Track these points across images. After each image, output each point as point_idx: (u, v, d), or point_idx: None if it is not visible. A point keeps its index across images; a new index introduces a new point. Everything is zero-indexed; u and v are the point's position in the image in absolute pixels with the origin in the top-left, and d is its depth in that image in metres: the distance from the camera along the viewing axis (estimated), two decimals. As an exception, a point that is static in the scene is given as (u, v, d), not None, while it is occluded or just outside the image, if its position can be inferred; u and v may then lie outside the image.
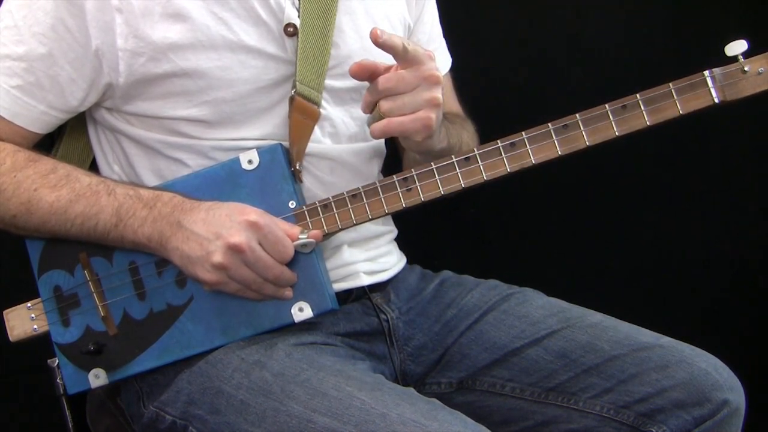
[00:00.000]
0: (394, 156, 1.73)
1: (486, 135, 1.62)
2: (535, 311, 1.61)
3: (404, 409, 1.27)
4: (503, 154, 1.40)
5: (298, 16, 1.46)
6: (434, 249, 1.98)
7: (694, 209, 2.04)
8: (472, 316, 1.63)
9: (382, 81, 1.36)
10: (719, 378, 1.48)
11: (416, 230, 1.71)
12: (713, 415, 1.46)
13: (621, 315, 1.61)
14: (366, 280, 1.58)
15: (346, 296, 1.55)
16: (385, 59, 1.57)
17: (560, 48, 2.14)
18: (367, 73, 1.38)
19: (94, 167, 1.58)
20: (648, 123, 1.39)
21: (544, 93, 2.11)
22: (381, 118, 1.37)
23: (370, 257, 1.60)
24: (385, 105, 1.37)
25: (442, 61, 1.77)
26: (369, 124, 1.40)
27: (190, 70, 1.42)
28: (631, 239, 2.19)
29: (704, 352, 1.53)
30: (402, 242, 1.72)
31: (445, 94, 1.75)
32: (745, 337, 2.19)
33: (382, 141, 1.66)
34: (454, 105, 1.79)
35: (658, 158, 2.16)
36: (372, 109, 1.40)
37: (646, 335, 1.55)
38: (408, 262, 1.73)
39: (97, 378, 1.46)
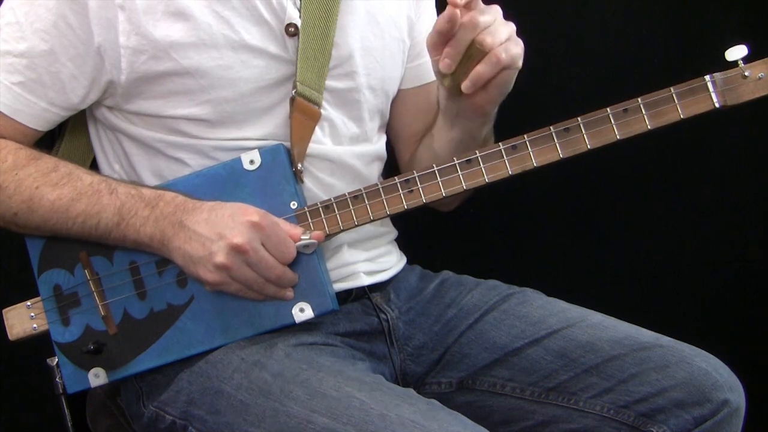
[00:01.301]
0: (394, 160, 1.73)
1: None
2: (535, 311, 1.61)
3: (403, 409, 1.27)
4: (505, 157, 1.40)
5: (299, 17, 1.46)
6: (434, 249, 1.98)
7: (694, 209, 2.04)
8: (472, 316, 1.63)
9: (479, 17, 1.33)
10: (719, 378, 1.48)
11: (416, 230, 1.71)
12: (713, 414, 1.46)
13: (621, 315, 1.61)
14: (366, 280, 1.58)
15: (347, 296, 1.55)
16: (386, 58, 1.57)
17: (562, 52, 2.13)
18: (452, 23, 1.34)
19: (94, 166, 1.57)
20: (649, 127, 1.39)
21: (546, 96, 2.11)
22: (453, 77, 1.38)
23: (370, 257, 1.60)
24: (488, 39, 1.34)
25: None
26: (447, 86, 1.41)
27: (192, 68, 1.41)
28: (631, 239, 2.19)
29: (704, 352, 1.53)
30: (402, 242, 1.72)
31: None
32: (745, 337, 2.19)
33: (383, 145, 1.66)
34: None
35: (658, 158, 2.16)
36: (457, 62, 1.37)
37: (646, 335, 1.55)
38: (408, 262, 1.73)
39: (97, 377, 1.46)
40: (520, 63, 1.40)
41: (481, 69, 1.36)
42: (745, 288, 2.20)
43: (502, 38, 1.36)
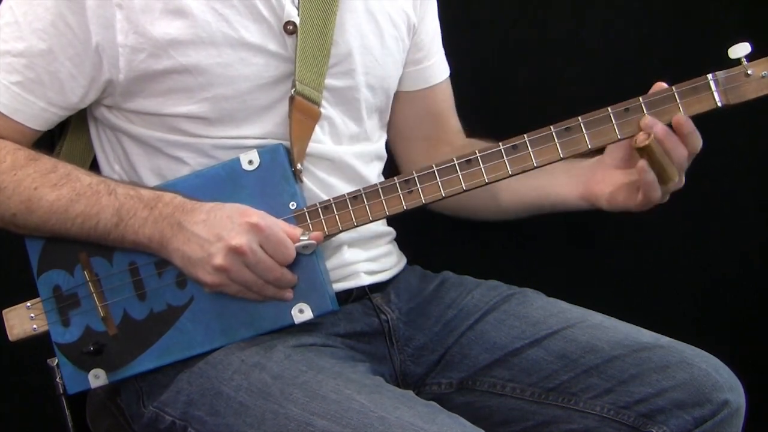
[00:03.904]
0: (395, 162, 1.73)
1: (487, 136, 1.62)
2: (536, 312, 1.61)
3: (403, 412, 1.27)
4: (505, 157, 1.40)
5: (298, 14, 1.45)
6: (434, 249, 1.97)
7: (694, 209, 2.03)
8: (473, 316, 1.62)
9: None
10: (719, 378, 1.48)
11: (416, 231, 1.71)
12: (713, 415, 1.46)
13: (621, 315, 1.61)
14: (366, 280, 1.58)
15: (347, 296, 1.55)
16: (385, 56, 1.58)
17: (562, 50, 2.13)
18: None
19: (94, 167, 1.57)
20: (650, 126, 1.38)
21: (546, 95, 2.10)
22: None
23: (371, 257, 1.60)
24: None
25: (442, 65, 1.77)
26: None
27: (191, 66, 1.41)
28: (631, 239, 2.18)
29: (704, 352, 1.52)
30: (402, 243, 1.72)
31: (445, 102, 1.75)
32: (745, 337, 2.19)
33: (383, 144, 1.67)
34: (453, 118, 1.79)
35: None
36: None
37: (646, 336, 1.55)
38: (408, 262, 1.73)
39: (97, 378, 1.46)
40: None
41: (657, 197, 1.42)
42: (745, 288, 2.20)
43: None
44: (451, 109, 1.79)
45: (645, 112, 1.38)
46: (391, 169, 1.66)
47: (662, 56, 2.07)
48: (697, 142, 1.40)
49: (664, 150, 1.37)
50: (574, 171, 1.55)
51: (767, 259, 2.20)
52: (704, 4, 2.07)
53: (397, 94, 1.70)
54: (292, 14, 1.45)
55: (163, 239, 1.37)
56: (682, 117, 1.37)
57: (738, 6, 2.06)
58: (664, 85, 1.40)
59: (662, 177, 1.38)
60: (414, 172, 1.41)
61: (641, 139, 1.37)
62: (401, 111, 1.73)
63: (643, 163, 1.37)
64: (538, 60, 2.13)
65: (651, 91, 1.40)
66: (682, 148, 1.39)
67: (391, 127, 1.74)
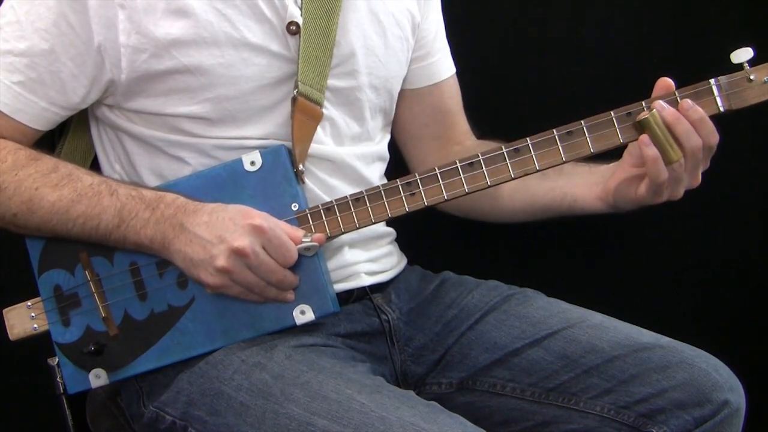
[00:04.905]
0: (396, 162, 1.73)
1: (497, 138, 1.62)
2: (536, 312, 1.61)
3: (404, 412, 1.27)
4: (507, 160, 1.40)
5: (301, 15, 1.45)
6: (435, 249, 1.97)
7: (694, 209, 2.03)
8: (473, 316, 1.63)
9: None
10: (719, 378, 1.48)
11: (417, 231, 1.71)
12: (714, 415, 1.47)
13: (621, 315, 1.61)
14: (367, 281, 1.58)
15: (348, 296, 1.55)
16: (389, 56, 1.57)
17: (562, 49, 2.13)
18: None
19: (94, 166, 1.57)
20: (653, 131, 1.38)
21: (546, 95, 2.10)
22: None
23: (371, 258, 1.60)
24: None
25: (447, 62, 1.77)
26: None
27: (193, 66, 1.41)
28: (631, 239, 2.18)
29: (704, 352, 1.53)
30: (403, 243, 1.72)
31: (453, 99, 1.74)
32: (745, 337, 2.19)
33: (385, 145, 1.66)
34: (461, 117, 1.79)
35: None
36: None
37: (647, 336, 1.55)
38: (408, 262, 1.73)
39: (98, 378, 1.46)
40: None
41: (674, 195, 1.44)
42: (745, 288, 2.20)
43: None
44: (459, 108, 1.79)
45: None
46: (395, 171, 1.65)
47: (662, 56, 2.07)
48: (712, 135, 1.38)
49: (675, 135, 1.36)
50: (593, 173, 1.55)
51: (767, 259, 2.20)
52: (704, 4, 2.07)
53: (403, 92, 1.70)
54: (295, 14, 1.45)
55: (164, 240, 1.37)
56: (688, 102, 1.36)
57: (738, 6, 2.06)
58: (668, 80, 1.40)
59: (666, 155, 1.37)
60: (416, 174, 1.41)
61: (641, 114, 1.37)
62: (409, 109, 1.73)
63: (644, 136, 1.37)
64: (538, 59, 2.13)
65: (655, 87, 1.41)
66: (696, 137, 1.37)
67: (400, 128, 1.74)
